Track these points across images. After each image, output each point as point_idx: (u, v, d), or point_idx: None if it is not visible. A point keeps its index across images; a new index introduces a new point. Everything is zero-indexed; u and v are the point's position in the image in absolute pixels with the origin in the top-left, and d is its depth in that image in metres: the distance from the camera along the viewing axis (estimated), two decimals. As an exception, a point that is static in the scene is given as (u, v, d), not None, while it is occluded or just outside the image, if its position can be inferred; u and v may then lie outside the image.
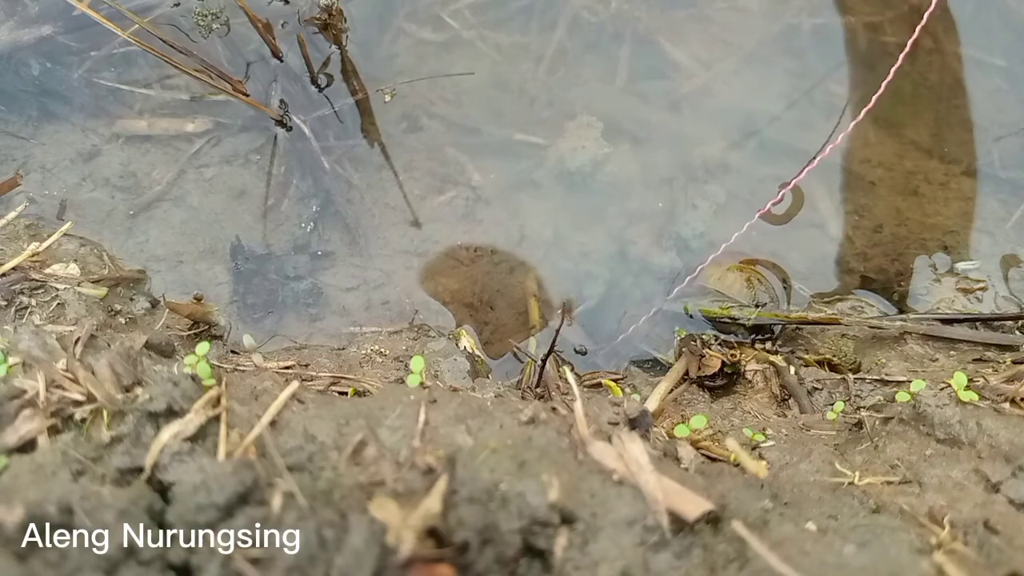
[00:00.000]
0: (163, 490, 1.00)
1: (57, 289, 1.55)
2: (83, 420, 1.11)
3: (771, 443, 1.42)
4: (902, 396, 1.41)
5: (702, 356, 1.66)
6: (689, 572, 0.95)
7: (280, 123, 1.97)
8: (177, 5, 2.06)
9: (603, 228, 1.95)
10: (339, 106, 2.01)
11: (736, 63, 2.13)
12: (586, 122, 2.01)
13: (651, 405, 1.57)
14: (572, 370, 1.78)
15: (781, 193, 1.77)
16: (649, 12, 2.17)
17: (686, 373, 1.69)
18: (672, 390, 1.65)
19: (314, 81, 2.01)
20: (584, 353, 1.83)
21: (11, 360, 1.22)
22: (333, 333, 1.78)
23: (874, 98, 1.25)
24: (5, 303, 1.49)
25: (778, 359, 1.68)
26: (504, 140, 2.03)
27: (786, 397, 1.64)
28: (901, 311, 1.82)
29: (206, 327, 1.70)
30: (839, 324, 1.74)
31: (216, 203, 1.91)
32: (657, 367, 1.80)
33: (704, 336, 1.78)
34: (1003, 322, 1.69)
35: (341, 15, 1.95)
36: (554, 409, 1.31)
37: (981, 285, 1.83)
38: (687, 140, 2.05)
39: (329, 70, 2.05)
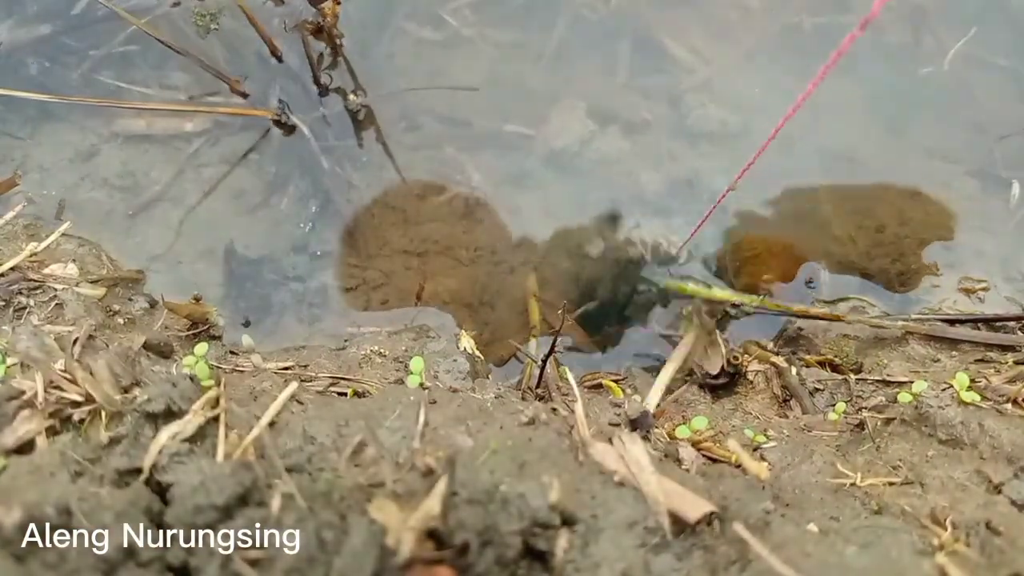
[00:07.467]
0: (162, 491, 1.00)
1: (55, 289, 1.55)
2: (81, 421, 1.10)
3: (772, 444, 1.41)
4: (904, 397, 1.40)
5: (710, 333, 1.62)
6: (690, 574, 0.95)
7: (278, 123, 1.97)
8: (177, 4, 2.05)
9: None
10: (338, 106, 2.00)
11: (737, 60, 2.12)
12: (582, 115, 2.01)
13: (654, 396, 1.55)
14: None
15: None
16: (649, 8, 2.16)
17: (690, 372, 1.68)
18: (673, 391, 1.64)
19: (316, 81, 2.00)
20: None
21: (9, 361, 1.22)
22: (332, 333, 1.77)
23: (820, 75, 1.22)
24: (3, 303, 1.49)
25: (779, 359, 1.67)
26: (502, 137, 2.03)
27: (788, 398, 1.63)
28: (903, 311, 1.81)
29: (205, 327, 1.69)
30: (841, 321, 1.72)
31: (215, 203, 1.90)
32: (659, 368, 1.79)
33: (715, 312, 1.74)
34: (1005, 323, 1.69)
35: (336, 18, 1.94)
36: (554, 410, 1.30)
37: (983, 285, 1.82)
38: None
39: (328, 70, 2.04)
